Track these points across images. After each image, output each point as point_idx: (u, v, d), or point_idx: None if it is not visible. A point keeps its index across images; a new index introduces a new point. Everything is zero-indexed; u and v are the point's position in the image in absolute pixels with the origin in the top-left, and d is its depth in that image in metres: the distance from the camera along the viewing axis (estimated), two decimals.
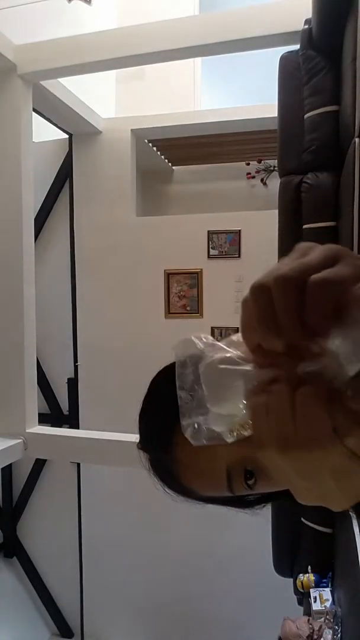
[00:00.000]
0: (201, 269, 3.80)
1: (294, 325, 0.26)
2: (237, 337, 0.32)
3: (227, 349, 0.31)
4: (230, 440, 0.31)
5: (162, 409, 0.45)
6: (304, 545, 2.85)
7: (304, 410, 0.27)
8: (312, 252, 0.28)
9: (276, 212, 2.63)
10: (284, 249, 2.50)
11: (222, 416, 0.30)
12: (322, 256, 0.27)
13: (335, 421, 0.26)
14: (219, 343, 0.32)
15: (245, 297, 0.29)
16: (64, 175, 4.16)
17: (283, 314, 0.26)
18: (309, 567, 2.77)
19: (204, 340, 0.32)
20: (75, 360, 4.18)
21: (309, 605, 2.64)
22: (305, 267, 0.26)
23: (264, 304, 0.27)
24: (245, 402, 0.29)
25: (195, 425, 0.31)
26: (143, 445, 0.51)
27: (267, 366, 0.29)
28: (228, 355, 0.30)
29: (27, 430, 3.17)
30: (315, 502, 0.32)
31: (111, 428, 3.12)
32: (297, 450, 0.28)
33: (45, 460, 4.37)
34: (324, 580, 2.74)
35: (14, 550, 4.62)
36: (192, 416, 0.32)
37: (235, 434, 0.31)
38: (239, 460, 0.41)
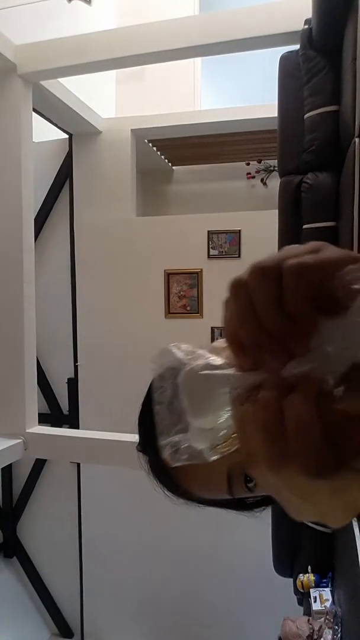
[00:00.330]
0: (201, 269, 3.80)
1: (273, 317, 0.24)
2: (220, 343, 0.30)
3: (209, 355, 0.28)
4: (212, 458, 0.27)
5: None
6: (304, 545, 2.85)
7: (294, 424, 0.23)
8: (296, 249, 0.26)
9: (276, 212, 2.63)
10: None
11: (204, 431, 0.27)
12: (303, 247, 0.25)
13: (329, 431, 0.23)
14: (200, 350, 0.29)
15: (226, 297, 0.27)
16: (64, 175, 4.16)
17: (261, 306, 0.24)
18: (309, 567, 2.78)
19: (184, 349, 0.29)
20: (75, 360, 4.18)
21: (309, 605, 2.64)
22: (282, 257, 0.24)
23: (242, 299, 0.25)
24: (229, 411, 0.26)
25: (173, 445, 0.28)
26: (142, 447, 0.50)
27: (252, 369, 0.26)
28: (210, 360, 0.28)
29: (27, 430, 3.17)
30: (311, 519, 0.30)
31: (111, 428, 3.12)
32: (290, 469, 0.25)
33: (45, 460, 4.37)
34: (324, 580, 2.74)
35: (14, 550, 4.62)
36: (171, 434, 0.29)
37: (218, 450, 0.27)
38: (240, 463, 0.40)
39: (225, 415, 0.26)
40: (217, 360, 0.28)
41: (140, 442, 0.51)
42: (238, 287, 0.25)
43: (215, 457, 0.27)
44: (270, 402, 0.24)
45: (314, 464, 0.23)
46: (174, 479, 0.47)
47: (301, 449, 0.23)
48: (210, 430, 0.27)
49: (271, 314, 0.24)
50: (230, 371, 0.27)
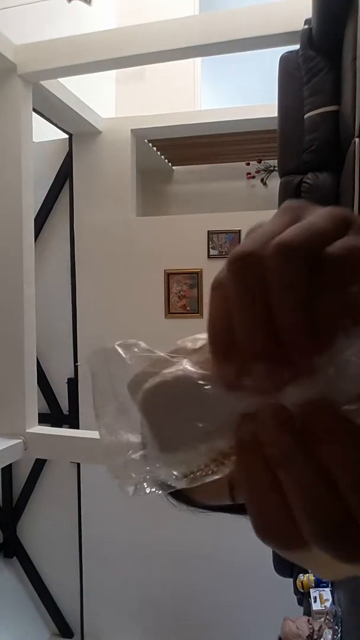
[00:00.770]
0: (201, 269, 3.80)
1: (298, 315, 0.17)
2: (191, 341, 0.22)
3: (174, 359, 0.21)
4: (183, 485, 0.21)
5: None
6: None
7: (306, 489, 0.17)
8: (311, 214, 0.20)
9: (276, 212, 2.63)
10: None
11: (173, 463, 0.20)
12: (332, 221, 0.18)
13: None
14: (160, 353, 0.22)
15: (217, 278, 0.20)
16: (64, 175, 4.16)
17: (288, 299, 0.17)
18: None
19: (135, 349, 0.21)
20: (75, 360, 4.17)
21: (309, 605, 2.64)
22: (314, 233, 0.18)
23: (253, 283, 0.18)
24: (209, 445, 0.20)
25: (133, 474, 0.21)
26: (165, 492, 0.50)
27: (235, 384, 0.19)
28: (180, 371, 0.20)
29: (27, 430, 3.17)
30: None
31: None
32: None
33: (45, 460, 4.37)
34: (324, 580, 2.74)
35: (14, 550, 4.61)
36: (121, 456, 0.22)
37: (192, 477, 0.21)
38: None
39: (203, 448, 0.20)
40: (189, 369, 0.20)
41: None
42: (248, 265, 0.18)
43: (187, 485, 0.21)
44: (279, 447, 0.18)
45: (350, 549, 0.17)
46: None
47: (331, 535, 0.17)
48: (182, 462, 0.20)
49: (300, 311, 0.17)
50: (210, 387, 0.19)
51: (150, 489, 0.21)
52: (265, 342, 0.18)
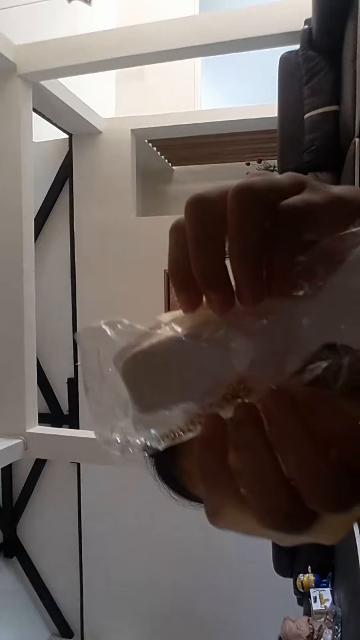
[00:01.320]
0: None
1: (254, 260, 0.18)
2: (169, 315, 0.24)
3: (154, 331, 0.23)
4: (162, 445, 0.22)
5: None
6: (304, 545, 2.84)
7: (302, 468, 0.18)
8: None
9: None
10: None
11: (152, 421, 0.22)
12: (289, 180, 0.20)
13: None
14: (141, 327, 0.24)
15: (176, 221, 0.21)
16: (64, 175, 4.16)
17: (244, 237, 0.19)
18: (309, 567, 2.78)
19: (119, 326, 0.23)
20: (75, 360, 4.17)
21: (309, 605, 2.64)
22: (273, 184, 0.19)
23: (210, 221, 0.20)
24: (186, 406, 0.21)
25: (118, 439, 0.23)
26: (148, 453, 0.50)
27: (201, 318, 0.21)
28: (155, 339, 0.22)
29: (27, 430, 3.17)
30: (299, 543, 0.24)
31: None
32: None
33: (45, 460, 4.37)
34: (324, 580, 2.74)
35: (14, 550, 4.61)
36: (110, 424, 0.23)
37: (172, 437, 0.22)
38: None
39: (179, 410, 0.21)
40: (163, 335, 0.22)
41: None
42: (207, 203, 0.20)
43: (164, 446, 0.22)
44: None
45: (337, 500, 0.18)
46: (180, 484, 0.47)
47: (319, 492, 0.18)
48: (160, 423, 0.22)
49: (249, 250, 0.19)
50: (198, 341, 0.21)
51: (134, 450, 0.23)
52: (217, 275, 0.19)
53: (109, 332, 0.23)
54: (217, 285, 0.20)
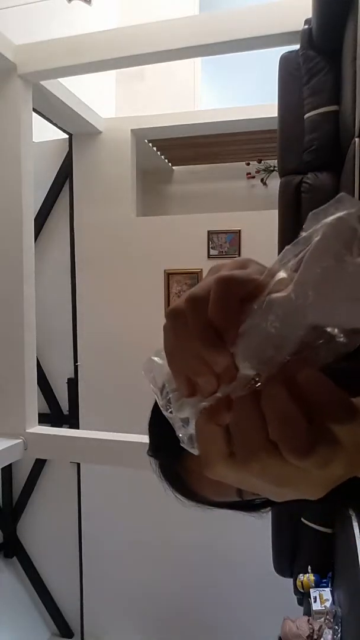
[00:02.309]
0: (201, 269, 3.79)
1: (205, 335, 0.26)
2: None
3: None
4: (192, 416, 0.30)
5: None
6: (304, 545, 2.85)
7: (277, 414, 0.25)
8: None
9: (276, 212, 2.63)
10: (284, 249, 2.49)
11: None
12: (231, 263, 0.29)
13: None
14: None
15: (166, 319, 0.30)
16: (64, 175, 4.16)
17: (194, 327, 0.27)
18: (309, 567, 2.77)
19: (162, 353, 0.32)
20: (75, 360, 4.17)
21: (309, 605, 2.64)
22: (205, 288, 0.27)
23: (181, 327, 0.28)
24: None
25: (187, 436, 0.32)
26: (153, 453, 0.51)
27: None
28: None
29: (27, 430, 3.17)
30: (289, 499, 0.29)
31: (111, 428, 3.12)
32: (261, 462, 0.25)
33: (45, 460, 4.37)
34: (324, 580, 2.74)
35: (14, 550, 4.62)
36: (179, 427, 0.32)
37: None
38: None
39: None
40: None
41: (151, 447, 0.51)
42: (175, 315, 0.28)
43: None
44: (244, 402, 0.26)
45: (300, 444, 0.24)
46: (185, 483, 0.48)
47: (288, 435, 0.24)
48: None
49: (203, 333, 0.26)
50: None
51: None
52: (198, 365, 0.27)
53: (155, 360, 0.32)
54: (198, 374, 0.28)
